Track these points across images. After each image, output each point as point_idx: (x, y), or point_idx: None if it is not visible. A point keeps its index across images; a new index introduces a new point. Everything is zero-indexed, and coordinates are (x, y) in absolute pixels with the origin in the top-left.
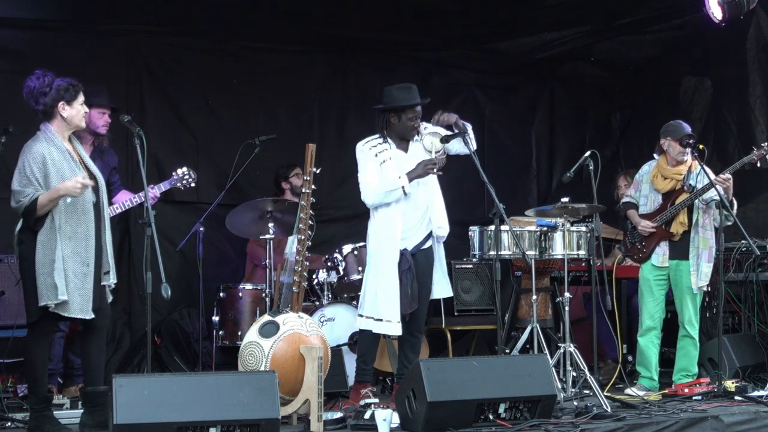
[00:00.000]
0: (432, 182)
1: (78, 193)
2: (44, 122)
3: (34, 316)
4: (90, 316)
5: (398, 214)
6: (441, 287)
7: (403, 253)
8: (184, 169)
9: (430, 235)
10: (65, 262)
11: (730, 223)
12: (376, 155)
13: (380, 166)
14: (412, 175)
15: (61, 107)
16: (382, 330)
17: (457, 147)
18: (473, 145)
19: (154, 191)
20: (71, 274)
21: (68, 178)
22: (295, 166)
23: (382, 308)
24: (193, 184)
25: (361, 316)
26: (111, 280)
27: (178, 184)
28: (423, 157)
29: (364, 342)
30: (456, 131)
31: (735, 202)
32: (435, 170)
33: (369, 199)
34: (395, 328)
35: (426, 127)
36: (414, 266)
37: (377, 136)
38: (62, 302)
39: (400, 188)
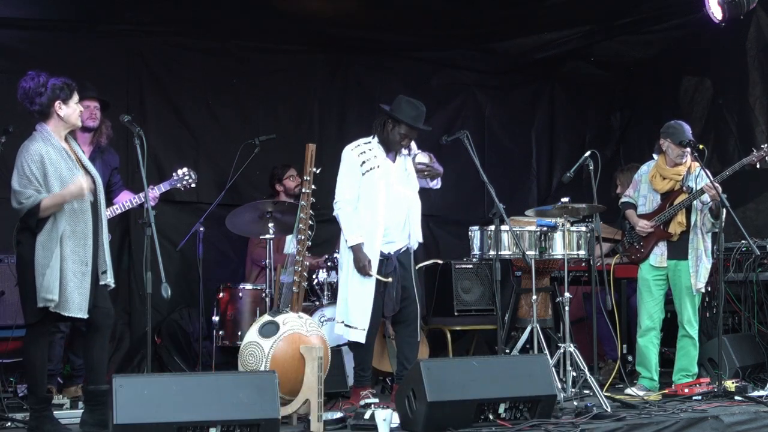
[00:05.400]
0: (413, 194)
1: (84, 195)
2: (40, 122)
3: (34, 317)
4: (87, 315)
5: (380, 224)
6: None
7: (388, 256)
8: (185, 169)
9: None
10: (64, 262)
11: (716, 230)
12: (363, 163)
13: (363, 176)
14: (355, 254)
15: (57, 106)
16: (351, 336)
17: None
18: (438, 183)
19: (155, 192)
20: (70, 274)
21: (66, 177)
22: (289, 167)
23: (351, 314)
24: (193, 185)
25: (339, 322)
26: (108, 279)
27: (179, 185)
28: (411, 172)
29: (358, 352)
30: (456, 134)
31: (724, 211)
32: (366, 274)
33: (337, 211)
34: (359, 335)
35: (415, 148)
36: (399, 269)
37: (369, 140)
38: (59, 302)
39: (347, 241)
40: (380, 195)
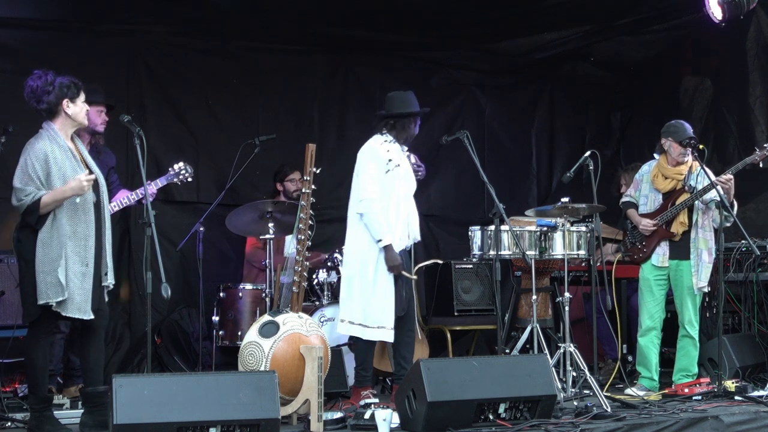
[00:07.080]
0: (410, 195)
1: (85, 191)
2: (47, 121)
3: (33, 315)
4: (89, 316)
5: (401, 222)
6: None
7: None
8: (181, 164)
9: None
10: (65, 262)
11: (729, 224)
12: (389, 161)
13: (386, 174)
14: (389, 254)
15: (65, 104)
16: (375, 336)
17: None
18: (421, 174)
19: (152, 187)
20: (71, 274)
21: (69, 177)
22: (295, 170)
23: (376, 314)
24: (190, 179)
25: (349, 322)
26: (109, 281)
27: (176, 179)
28: (410, 171)
29: (360, 350)
30: (456, 134)
31: (735, 203)
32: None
33: (364, 209)
34: (389, 335)
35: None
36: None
37: (390, 139)
38: (62, 301)
39: (381, 241)
40: (402, 194)
